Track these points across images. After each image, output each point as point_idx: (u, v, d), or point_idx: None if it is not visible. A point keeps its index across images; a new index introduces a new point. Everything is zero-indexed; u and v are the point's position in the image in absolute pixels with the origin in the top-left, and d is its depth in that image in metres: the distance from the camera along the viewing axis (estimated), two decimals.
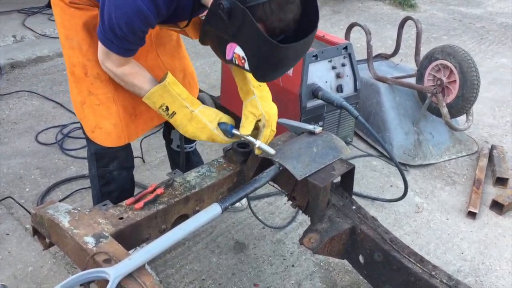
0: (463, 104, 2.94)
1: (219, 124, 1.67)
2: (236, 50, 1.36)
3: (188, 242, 2.36)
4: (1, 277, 2.11)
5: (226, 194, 1.77)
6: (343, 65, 2.84)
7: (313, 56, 2.70)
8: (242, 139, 1.70)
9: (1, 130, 3.23)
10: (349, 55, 2.87)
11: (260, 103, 1.69)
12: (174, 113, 1.64)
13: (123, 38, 1.47)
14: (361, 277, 1.88)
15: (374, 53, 3.62)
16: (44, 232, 1.56)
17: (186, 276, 2.18)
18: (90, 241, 1.40)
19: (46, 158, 2.97)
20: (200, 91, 2.39)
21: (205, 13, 1.53)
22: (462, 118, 3.22)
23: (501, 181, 2.94)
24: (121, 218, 1.53)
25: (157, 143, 3.13)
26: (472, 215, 2.66)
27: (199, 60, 4.38)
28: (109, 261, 1.33)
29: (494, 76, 4.61)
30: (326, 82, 2.80)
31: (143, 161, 2.96)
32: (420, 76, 3.19)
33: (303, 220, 2.54)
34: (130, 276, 1.31)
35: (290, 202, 1.94)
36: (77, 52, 1.69)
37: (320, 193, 1.66)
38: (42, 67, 4.21)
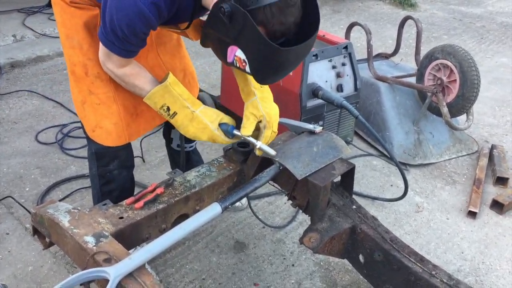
0: (463, 103, 2.93)
1: (220, 124, 1.67)
2: (237, 53, 1.37)
3: (188, 242, 2.36)
4: (1, 276, 2.11)
5: (226, 194, 1.77)
6: (343, 64, 2.84)
7: (313, 55, 2.70)
8: (243, 139, 1.70)
9: (1, 129, 3.23)
10: (349, 54, 2.87)
11: (261, 104, 1.70)
12: (175, 114, 1.64)
13: (125, 40, 1.47)
14: (361, 277, 1.88)
15: (374, 53, 3.62)
16: (44, 232, 1.56)
17: (186, 275, 2.18)
18: (90, 240, 1.40)
19: (46, 158, 2.97)
20: (200, 90, 2.39)
21: (206, 14, 1.54)
22: (462, 117, 3.22)
23: (501, 181, 2.93)
24: (121, 218, 1.54)
25: (157, 142, 3.13)
26: (472, 214, 2.66)
27: (199, 60, 4.38)
28: (109, 261, 1.33)
29: (494, 76, 4.61)
30: (326, 81, 2.79)
31: (143, 161, 2.96)
32: (420, 76, 3.19)
33: (303, 219, 2.54)
34: (130, 275, 1.31)
35: (290, 202, 1.94)
36: (77, 52, 1.69)
37: (320, 192, 1.66)
38: (42, 67, 4.21)
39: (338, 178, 1.83)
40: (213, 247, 2.34)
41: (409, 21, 3.46)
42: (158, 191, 1.63)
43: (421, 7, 6.87)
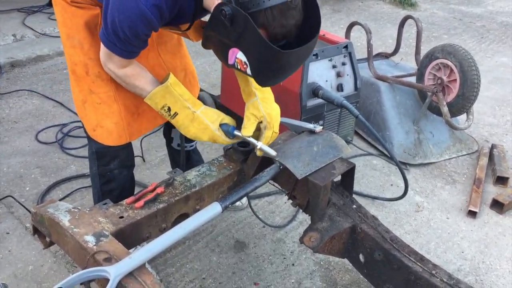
0: (463, 103, 2.93)
1: (220, 125, 1.67)
2: (238, 55, 1.37)
3: (189, 241, 2.36)
4: (2, 276, 2.11)
5: (227, 193, 1.77)
6: (343, 64, 2.84)
7: (314, 55, 2.70)
8: (243, 140, 1.71)
9: (1, 129, 3.23)
10: (350, 54, 2.87)
11: (261, 104, 1.70)
12: (176, 114, 1.64)
13: (126, 41, 1.47)
14: (361, 276, 1.88)
15: (375, 52, 3.62)
16: (45, 231, 1.56)
17: (187, 275, 2.18)
18: (90, 240, 1.40)
19: (46, 157, 2.97)
20: (201, 90, 2.39)
21: (207, 16, 1.54)
22: (463, 117, 3.22)
23: (501, 180, 2.93)
24: (122, 217, 1.54)
25: (157, 142, 3.13)
26: (472, 214, 2.66)
27: (199, 59, 4.38)
28: (109, 260, 1.34)
29: (495, 75, 4.61)
30: (327, 81, 2.79)
31: (143, 160, 2.96)
32: (420, 75, 3.19)
33: (303, 219, 2.54)
34: (130, 275, 1.31)
35: (291, 201, 1.94)
36: (78, 51, 1.69)
37: (321, 192, 1.66)
38: (42, 66, 4.21)
39: (338, 178, 1.83)
40: (213, 247, 2.34)
41: (409, 21, 3.46)
42: (158, 190, 1.63)
43: (421, 7, 6.87)
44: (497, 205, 2.72)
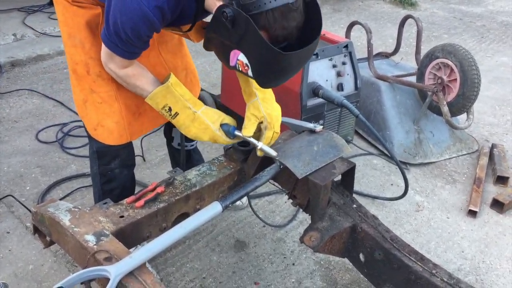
0: (463, 102, 2.93)
1: (221, 125, 1.67)
2: (239, 57, 1.37)
3: (189, 241, 2.36)
4: (2, 275, 2.11)
5: (227, 193, 1.77)
6: (343, 63, 2.84)
7: (314, 54, 2.69)
8: (244, 140, 1.71)
9: (1, 128, 3.23)
10: (350, 53, 2.87)
11: (262, 105, 1.70)
12: (176, 114, 1.64)
13: (128, 42, 1.47)
14: (361, 276, 1.88)
15: (375, 52, 3.62)
16: (45, 231, 1.56)
17: (187, 274, 2.18)
18: (90, 239, 1.40)
19: (47, 157, 2.97)
20: (201, 89, 2.40)
21: (208, 17, 1.54)
22: (463, 116, 3.21)
23: (501, 180, 2.93)
24: (122, 217, 1.54)
25: (158, 141, 3.13)
26: (472, 213, 2.66)
27: (200, 59, 4.38)
28: (110, 259, 1.34)
29: (495, 75, 4.61)
30: (327, 80, 2.79)
31: (144, 160, 2.96)
32: (420, 75, 3.19)
33: (304, 218, 2.54)
34: (131, 274, 1.31)
35: (291, 201, 1.94)
36: (79, 50, 1.70)
37: (321, 191, 1.66)
38: (43, 66, 4.21)
39: (339, 177, 1.83)
40: (213, 246, 2.34)
41: (410, 20, 3.46)
42: (159, 190, 1.64)
43: (422, 6, 6.86)
44: (497, 205, 2.72)
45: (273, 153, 1.67)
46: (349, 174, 1.82)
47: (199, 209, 1.67)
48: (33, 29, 4.73)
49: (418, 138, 3.17)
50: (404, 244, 1.69)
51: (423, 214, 2.68)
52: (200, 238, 2.39)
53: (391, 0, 6.92)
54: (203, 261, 2.25)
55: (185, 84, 1.92)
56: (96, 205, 1.60)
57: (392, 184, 2.91)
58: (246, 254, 2.31)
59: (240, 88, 1.79)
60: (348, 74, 2.88)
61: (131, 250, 1.41)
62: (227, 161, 1.88)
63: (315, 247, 1.67)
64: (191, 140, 2.33)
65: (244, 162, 1.85)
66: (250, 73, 1.38)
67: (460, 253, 2.42)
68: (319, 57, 2.73)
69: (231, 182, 1.85)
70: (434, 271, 1.60)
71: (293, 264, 2.27)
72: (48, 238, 1.59)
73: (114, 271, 1.28)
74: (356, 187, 2.75)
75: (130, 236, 1.54)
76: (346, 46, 2.85)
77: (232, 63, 1.41)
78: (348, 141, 3.07)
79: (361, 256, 1.77)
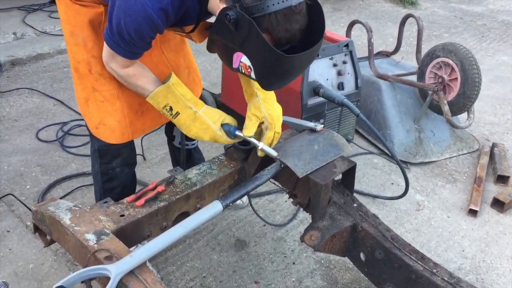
0: (464, 102, 2.93)
1: (222, 125, 1.67)
2: (242, 60, 1.37)
3: (189, 240, 2.36)
4: (2, 274, 2.11)
5: (227, 192, 1.77)
6: (344, 62, 2.84)
7: None
8: (245, 140, 1.71)
9: (1, 127, 3.23)
10: (350, 52, 2.86)
11: (263, 105, 1.70)
12: (177, 113, 1.65)
13: (131, 43, 1.48)
14: (362, 275, 1.88)
15: (375, 51, 3.61)
16: (45, 229, 1.56)
17: (187, 273, 2.18)
18: (91, 238, 1.40)
19: (47, 156, 2.97)
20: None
21: (210, 18, 1.53)
22: (463, 116, 3.21)
23: (502, 179, 2.93)
24: (122, 216, 1.54)
25: (158, 140, 3.13)
26: (473, 213, 2.66)
27: (200, 58, 4.37)
28: (110, 258, 1.34)
29: (495, 74, 4.60)
30: (327, 79, 2.79)
31: (144, 159, 2.96)
32: (421, 74, 3.19)
33: (304, 217, 2.54)
34: (131, 273, 1.31)
35: (291, 200, 1.94)
36: (81, 49, 1.70)
37: (322, 190, 1.66)
38: (43, 65, 4.21)
39: (339, 176, 1.82)
40: (214, 245, 2.34)
41: (410, 19, 3.46)
42: (159, 189, 1.63)
43: (422, 5, 6.86)
44: (498, 204, 2.72)
45: (273, 153, 1.67)
46: (349, 173, 1.82)
47: (199, 208, 1.67)
48: (33, 28, 4.73)
49: (418, 137, 3.17)
50: (404, 243, 1.68)
51: (423, 213, 2.68)
52: (200, 237, 2.39)
53: None
54: (203, 260, 2.25)
55: (188, 83, 1.92)
56: (96, 204, 1.59)
57: (392, 183, 2.91)
58: (247, 253, 2.31)
59: (240, 87, 1.79)
60: (348, 73, 2.88)
61: (131, 249, 1.41)
62: (227, 160, 1.88)
63: (316, 246, 1.67)
64: (192, 139, 2.33)
65: (245, 161, 1.85)
66: (253, 75, 1.38)
67: (461, 252, 2.41)
68: (319, 56, 2.72)
69: (231, 181, 1.85)
70: (434, 270, 1.60)
71: (294, 263, 2.27)
72: (48, 237, 1.58)
73: (115, 270, 1.27)
74: (357, 186, 2.75)
75: (131, 235, 1.53)
76: (347, 45, 2.84)
77: (235, 65, 1.41)
78: (348, 140, 3.06)
79: (362, 255, 1.77)
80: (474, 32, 5.85)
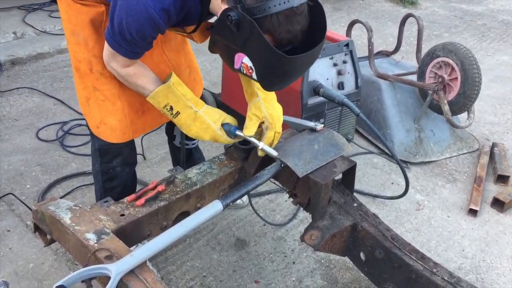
0: (464, 101, 2.93)
1: (222, 124, 1.68)
2: (244, 60, 1.37)
3: (189, 239, 2.36)
4: (2, 273, 2.11)
5: (228, 191, 1.77)
6: (344, 62, 2.84)
7: None
8: (245, 139, 1.71)
9: (1, 126, 3.23)
10: (350, 52, 2.86)
11: (263, 105, 1.70)
12: (178, 113, 1.65)
13: (132, 43, 1.48)
14: (362, 274, 1.88)
15: (375, 50, 3.61)
16: (45, 229, 1.56)
17: (187, 272, 2.18)
18: (91, 237, 1.40)
19: (47, 155, 2.97)
20: None
21: (212, 18, 1.53)
22: (463, 115, 3.21)
23: (502, 179, 2.93)
24: (123, 215, 1.54)
25: (158, 140, 3.13)
26: (473, 212, 2.66)
27: (200, 57, 4.37)
28: (110, 258, 1.34)
29: (495, 74, 4.60)
30: (327, 79, 2.79)
31: (144, 158, 2.96)
32: (421, 74, 3.19)
33: (304, 217, 2.54)
34: (131, 272, 1.31)
35: (291, 199, 1.94)
36: (82, 48, 1.70)
37: (322, 190, 1.66)
38: (43, 64, 4.21)
39: (339, 176, 1.82)
40: (214, 245, 2.34)
41: (410, 19, 3.45)
42: (159, 188, 1.63)
43: (422, 5, 6.86)
44: (498, 204, 2.72)
45: (274, 153, 1.67)
46: (349, 173, 1.82)
47: (199, 208, 1.68)
48: (33, 27, 4.73)
49: (418, 137, 3.17)
50: (404, 243, 1.69)
51: (423, 213, 2.68)
52: (200, 236, 2.39)
53: None
54: (203, 259, 2.25)
55: (189, 82, 1.92)
56: (96, 204, 1.59)
57: (392, 183, 2.91)
58: (247, 253, 2.31)
59: (240, 87, 1.79)
60: (348, 73, 2.88)
61: (131, 248, 1.41)
62: (227, 159, 1.88)
63: (316, 246, 1.67)
64: (193, 139, 2.32)
65: (245, 160, 1.85)
66: (254, 76, 1.38)
67: (461, 252, 2.42)
68: (320, 56, 2.72)
69: (231, 181, 1.85)
70: (434, 270, 1.60)
71: (294, 262, 2.27)
72: (48, 237, 1.58)
73: (115, 270, 1.28)
74: (357, 186, 2.75)
75: (131, 235, 1.54)
76: (347, 45, 2.84)
77: (236, 66, 1.41)
78: (348, 140, 3.06)
79: (362, 255, 1.77)
80: (474, 31, 5.85)
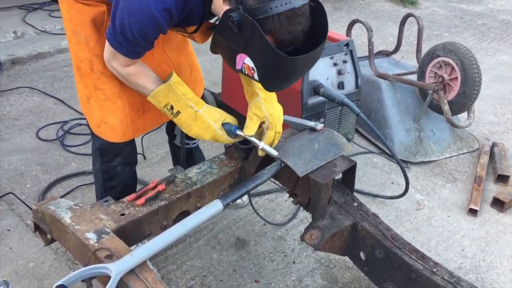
0: (464, 101, 2.93)
1: (223, 124, 1.68)
2: (245, 61, 1.37)
3: (189, 239, 2.36)
4: (3, 273, 2.11)
5: (228, 191, 1.77)
6: (344, 62, 2.84)
7: None
8: (245, 139, 1.71)
9: (2, 126, 3.23)
10: (351, 51, 2.86)
11: (264, 105, 1.71)
12: (178, 112, 1.65)
13: (134, 43, 1.48)
14: (362, 274, 1.88)
15: (375, 50, 3.62)
16: (46, 228, 1.56)
17: (187, 272, 2.18)
18: (91, 237, 1.40)
19: (47, 154, 2.97)
20: None
21: (213, 19, 1.54)
22: (463, 115, 3.21)
23: (502, 179, 2.93)
24: (123, 214, 1.54)
25: (158, 139, 3.13)
26: (473, 212, 2.66)
27: (200, 57, 4.34)
28: (110, 257, 1.34)
29: (495, 74, 4.60)
30: (328, 79, 2.79)
31: (144, 158, 2.96)
32: (421, 73, 3.19)
33: (304, 217, 2.54)
34: (132, 272, 1.31)
35: (291, 199, 1.94)
36: (84, 48, 1.70)
37: (322, 189, 1.66)
38: (43, 63, 4.21)
39: (340, 176, 1.83)
40: (214, 244, 2.35)
41: (410, 19, 3.45)
42: (160, 188, 1.64)
43: (422, 5, 6.86)
44: (498, 203, 2.72)
45: (274, 153, 1.67)
46: (350, 173, 1.82)
47: (199, 207, 1.68)
48: (33, 26, 4.73)
49: (418, 137, 3.17)
50: (404, 242, 1.69)
51: (423, 213, 2.68)
52: (200, 236, 2.39)
53: None
54: (203, 259, 2.26)
55: (189, 82, 1.92)
56: (97, 203, 1.60)
57: (392, 183, 2.91)
58: (247, 252, 2.31)
59: (241, 86, 1.79)
60: (349, 73, 2.88)
61: (132, 248, 1.41)
62: (228, 159, 1.88)
63: (316, 246, 1.67)
64: (193, 138, 2.33)
65: (245, 160, 1.85)
66: (256, 76, 1.38)
67: (461, 251, 2.42)
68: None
69: (231, 180, 1.85)
70: (434, 270, 1.60)
71: (294, 262, 2.27)
72: (48, 236, 1.58)
73: (115, 269, 1.28)
74: (357, 186, 2.75)
75: (131, 234, 1.54)
76: (347, 44, 2.84)
77: (238, 67, 1.41)
78: (348, 140, 3.06)
79: (362, 255, 1.77)
80: (474, 31, 5.85)
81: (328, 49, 2.77)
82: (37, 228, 1.61)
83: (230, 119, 1.70)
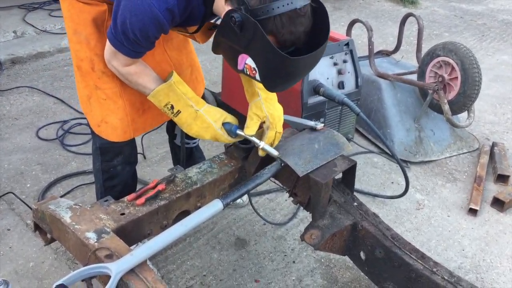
0: (464, 101, 2.93)
1: (223, 124, 1.68)
2: (247, 61, 1.37)
3: (189, 238, 2.36)
4: (3, 272, 2.11)
5: (228, 190, 1.77)
6: (344, 61, 2.84)
7: None
8: (246, 139, 1.71)
9: (2, 126, 3.23)
10: (351, 51, 2.86)
11: (264, 105, 1.71)
12: (179, 112, 1.65)
13: (135, 42, 1.48)
14: (362, 274, 1.88)
15: (376, 50, 3.61)
16: (46, 228, 1.56)
17: (187, 272, 2.18)
18: (91, 236, 1.40)
19: (47, 154, 2.97)
20: None
21: (214, 19, 1.53)
22: (463, 115, 3.22)
23: (502, 178, 2.93)
24: (123, 214, 1.54)
25: (158, 139, 3.13)
26: (473, 212, 2.66)
27: (200, 56, 4.32)
28: (110, 257, 1.34)
29: (495, 73, 4.60)
30: (328, 78, 2.79)
31: (144, 157, 2.96)
32: (421, 73, 3.19)
33: (304, 216, 2.54)
34: (132, 271, 1.31)
35: (291, 199, 1.94)
36: (84, 47, 1.70)
37: (322, 189, 1.66)
38: (43, 63, 4.21)
39: (340, 175, 1.83)
40: (214, 244, 2.35)
41: (410, 19, 3.45)
42: (160, 187, 1.63)
43: (422, 4, 6.86)
44: (498, 203, 2.72)
45: (274, 152, 1.67)
46: (350, 172, 1.82)
47: (199, 207, 1.68)
48: (33, 26, 4.73)
49: (418, 136, 3.17)
50: (404, 242, 1.69)
51: (423, 212, 2.68)
52: (200, 235, 2.39)
53: None
54: (203, 259, 2.26)
55: (190, 81, 1.92)
56: (97, 203, 1.59)
57: (392, 182, 2.91)
58: (247, 252, 2.31)
59: (241, 86, 1.79)
60: (349, 72, 2.88)
61: (132, 247, 1.41)
62: (228, 158, 1.88)
63: (316, 245, 1.67)
64: (193, 138, 2.32)
65: (245, 159, 1.85)
66: (257, 77, 1.38)
67: (461, 251, 2.42)
68: None
69: (232, 180, 1.85)
70: (434, 269, 1.60)
71: (294, 262, 2.27)
72: (48, 236, 1.58)
73: (115, 269, 1.28)
74: (357, 185, 2.75)
75: (131, 234, 1.54)
76: (347, 44, 2.84)
77: (240, 67, 1.41)
78: (348, 139, 3.06)
79: (362, 254, 1.77)
80: (474, 31, 5.85)
81: (328, 49, 2.76)
82: (37, 227, 1.61)
83: (230, 118, 1.70)
